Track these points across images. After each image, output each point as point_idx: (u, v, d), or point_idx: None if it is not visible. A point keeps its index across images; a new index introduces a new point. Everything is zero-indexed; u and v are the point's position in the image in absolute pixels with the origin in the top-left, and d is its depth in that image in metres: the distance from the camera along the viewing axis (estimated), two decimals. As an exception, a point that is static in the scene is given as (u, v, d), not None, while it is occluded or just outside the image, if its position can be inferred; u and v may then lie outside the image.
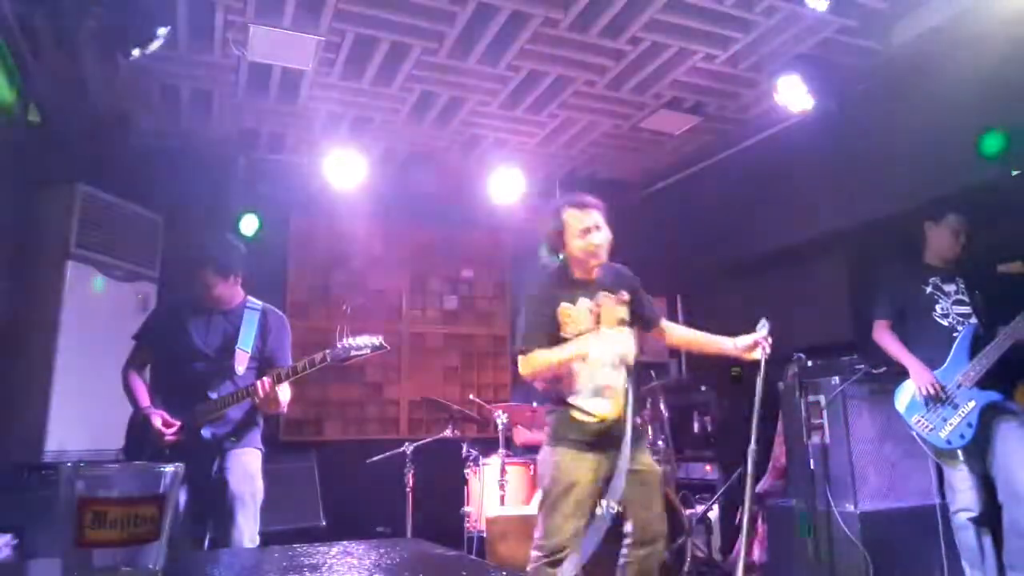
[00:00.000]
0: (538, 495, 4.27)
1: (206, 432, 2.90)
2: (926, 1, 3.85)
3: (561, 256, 2.90)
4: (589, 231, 2.79)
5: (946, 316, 3.43)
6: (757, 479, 4.36)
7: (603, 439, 2.71)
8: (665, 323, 3.10)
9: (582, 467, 2.69)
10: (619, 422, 2.72)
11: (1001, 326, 3.30)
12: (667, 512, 4.02)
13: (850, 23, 3.91)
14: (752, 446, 2.83)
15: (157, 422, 2.84)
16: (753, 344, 2.87)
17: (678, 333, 3.14)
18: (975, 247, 3.53)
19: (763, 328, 2.88)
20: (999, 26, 3.64)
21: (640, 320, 2.98)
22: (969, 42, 3.84)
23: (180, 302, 3.16)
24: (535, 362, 2.72)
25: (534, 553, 2.67)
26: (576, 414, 2.74)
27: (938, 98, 4.03)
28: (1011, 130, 3.71)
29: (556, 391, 2.81)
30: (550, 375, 2.77)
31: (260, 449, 3.05)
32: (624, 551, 2.74)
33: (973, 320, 3.39)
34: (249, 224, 5.34)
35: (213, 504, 2.83)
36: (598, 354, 2.72)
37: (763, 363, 2.84)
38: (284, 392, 2.92)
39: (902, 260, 3.74)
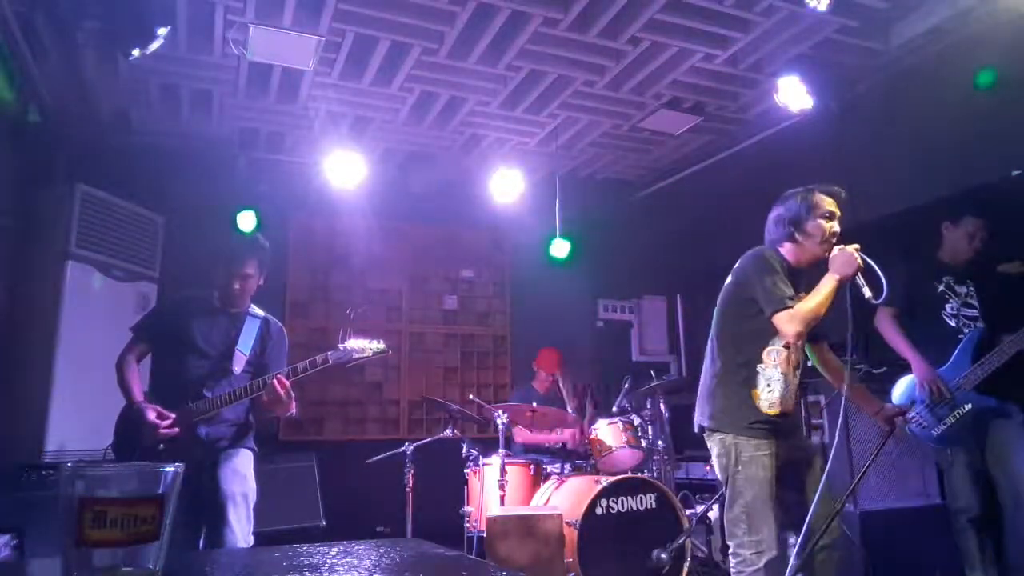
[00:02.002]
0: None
1: (200, 431, 2.89)
2: (926, 1, 3.85)
3: (791, 239, 2.80)
4: (833, 217, 2.77)
5: (954, 317, 3.42)
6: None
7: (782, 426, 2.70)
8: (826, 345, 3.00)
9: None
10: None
11: (1006, 330, 3.29)
12: (666, 512, 4.04)
13: (850, 23, 3.90)
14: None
15: (151, 416, 2.81)
16: (895, 415, 2.84)
17: (833, 361, 2.99)
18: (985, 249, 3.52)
19: (912, 407, 2.91)
20: (999, 26, 3.64)
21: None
22: (969, 42, 3.84)
23: (185, 299, 3.16)
24: (804, 310, 2.58)
25: (750, 554, 2.56)
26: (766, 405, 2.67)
27: (938, 98, 4.03)
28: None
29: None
30: (818, 319, 2.62)
31: (253, 450, 3.04)
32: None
33: (980, 324, 3.38)
34: (247, 220, 5.33)
35: (206, 504, 2.82)
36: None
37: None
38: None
39: (914, 255, 3.72)
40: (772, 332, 2.66)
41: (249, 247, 3.11)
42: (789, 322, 2.58)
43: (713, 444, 2.74)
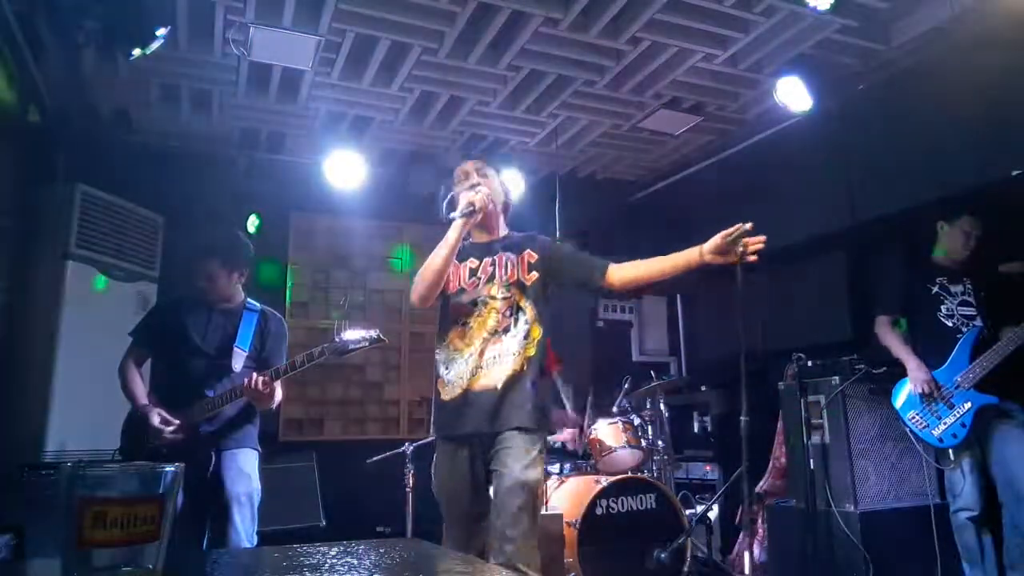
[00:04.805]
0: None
1: (203, 430, 2.90)
2: (926, 1, 3.85)
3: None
4: (464, 180, 2.76)
5: (951, 317, 3.42)
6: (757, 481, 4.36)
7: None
8: (614, 267, 2.58)
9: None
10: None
11: (1006, 328, 3.29)
12: (666, 512, 4.04)
13: (850, 23, 3.90)
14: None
15: (155, 419, 2.83)
16: (725, 242, 2.33)
17: (636, 267, 2.63)
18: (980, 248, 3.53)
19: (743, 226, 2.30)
20: (999, 26, 3.64)
21: (574, 278, 2.61)
22: (969, 42, 3.83)
23: (180, 299, 3.16)
24: (420, 270, 2.55)
25: None
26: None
27: (938, 98, 4.02)
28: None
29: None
30: (437, 274, 2.54)
31: (256, 449, 3.05)
32: None
33: (978, 322, 3.38)
34: (249, 223, 5.34)
35: (209, 504, 2.83)
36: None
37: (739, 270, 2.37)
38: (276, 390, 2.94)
39: (909, 258, 3.73)
40: (444, 314, 2.65)
41: (209, 246, 3.09)
42: (412, 292, 2.56)
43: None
